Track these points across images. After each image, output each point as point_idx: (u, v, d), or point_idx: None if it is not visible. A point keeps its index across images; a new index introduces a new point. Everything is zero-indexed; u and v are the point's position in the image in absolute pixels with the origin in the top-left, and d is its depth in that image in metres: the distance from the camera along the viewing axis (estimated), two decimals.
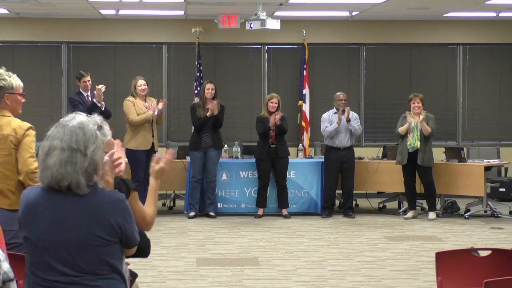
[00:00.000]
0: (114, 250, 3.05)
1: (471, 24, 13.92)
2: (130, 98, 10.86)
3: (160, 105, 10.80)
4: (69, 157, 2.98)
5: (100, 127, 3.09)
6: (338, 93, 11.52)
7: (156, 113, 10.74)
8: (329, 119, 11.36)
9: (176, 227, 10.48)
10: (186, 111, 12.09)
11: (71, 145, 2.99)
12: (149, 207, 3.75)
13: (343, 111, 11.27)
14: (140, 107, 10.78)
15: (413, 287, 7.14)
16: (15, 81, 4.90)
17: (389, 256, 8.51)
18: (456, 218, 11.29)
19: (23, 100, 4.97)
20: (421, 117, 10.88)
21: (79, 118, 3.08)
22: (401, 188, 11.45)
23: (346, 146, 11.30)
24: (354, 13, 12.82)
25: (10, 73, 4.92)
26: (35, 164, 4.69)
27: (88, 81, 10.78)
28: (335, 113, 11.39)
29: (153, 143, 10.80)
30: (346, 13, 12.89)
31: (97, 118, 3.14)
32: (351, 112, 11.46)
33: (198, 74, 13.23)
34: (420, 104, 11.01)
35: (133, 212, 3.24)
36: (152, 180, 3.81)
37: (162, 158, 3.85)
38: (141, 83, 10.89)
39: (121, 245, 3.08)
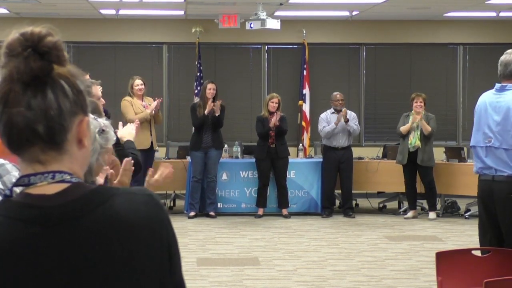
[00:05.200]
0: None
1: (471, 24, 13.91)
2: (128, 98, 10.90)
3: (154, 104, 10.81)
4: None
5: (102, 131, 3.07)
6: (335, 93, 11.52)
7: (151, 111, 10.76)
8: (326, 119, 11.37)
9: (176, 227, 10.31)
10: (186, 111, 12.09)
11: None
12: None
13: (340, 111, 11.28)
14: (138, 106, 10.81)
15: (413, 287, 7.15)
16: None
17: (389, 256, 8.51)
18: (456, 218, 11.29)
19: None
20: (420, 116, 10.88)
21: None
22: (401, 188, 11.45)
23: (343, 146, 11.30)
24: (354, 13, 12.82)
25: None
26: None
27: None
28: (333, 113, 11.40)
29: (152, 142, 10.82)
30: (346, 13, 12.88)
31: (102, 121, 3.12)
32: (350, 112, 11.47)
33: (198, 74, 13.23)
34: (422, 104, 11.02)
35: None
36: None
37: (160, 170, 3.68)
38: (138, 82, 10.92)
39: None
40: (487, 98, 5.66)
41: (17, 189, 1.42)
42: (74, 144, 1.43)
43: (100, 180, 3.22)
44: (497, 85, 5.58)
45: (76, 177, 1.43)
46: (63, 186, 1.41)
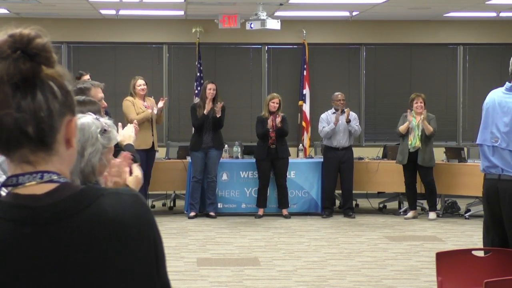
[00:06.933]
0: None
1: (471, 24, 13.91)
2: (129, 98, 10.90)
3: (161, 103, 10.88)
4: None
5: (104, 131, 3.06)
6: (336, 93, 11.52)
7: (155, 111, 10.79)
8: (327, 119, 11.37)
9: (176, 227, 10.48)
10: (186, 111, 12.09)
11: None
12: None
13: (342, 111, 11.29)
14: (139, 106, 10.81)
15: (413, 287, 7.14)
16: None
17: (389, 256, 8.51)
18: (456, 218, 11.29)
19: None
20: (422, 116, 10.89)
21: (83, 119, 3.05)
22: (401, 188, 11.45)
23: (344, 146, 11.30)
24: (354, 13, 12.82)
25: None
26: None
27: (88, 80, 10.79)
28: (334, 113, 11.39)
29: (153, 142, 10.83)
30: (346, 13, 12.88)
31: (104, 121, 3.11)
32: (351, 113, 11.46)
33: (198, 74, 13.23)
34: (422, 104, 11.03)
35: None
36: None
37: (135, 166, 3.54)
38: (140, 82, 10.93)
39: None
40: (496, 96, 5.60)
41: (5, 190, 1.43)
42: (62, 145, 1.44)
43: (119, 181, 3.21)
44: (507, 84, 5.51)
45: (64, 177, 1.44)
46: (52, 186, 1.42)
